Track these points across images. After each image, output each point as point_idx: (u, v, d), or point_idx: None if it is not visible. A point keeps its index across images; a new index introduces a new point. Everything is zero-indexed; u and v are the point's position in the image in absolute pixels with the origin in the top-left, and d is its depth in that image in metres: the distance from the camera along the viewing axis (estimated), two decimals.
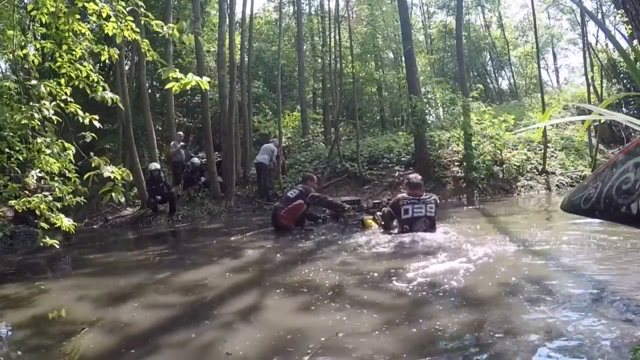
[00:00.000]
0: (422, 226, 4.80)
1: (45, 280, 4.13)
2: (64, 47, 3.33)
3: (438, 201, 5.15)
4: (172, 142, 10.77)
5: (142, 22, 3.13)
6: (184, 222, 8.65)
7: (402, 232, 4.83)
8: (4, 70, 15.49)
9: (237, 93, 11.72)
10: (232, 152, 10.41)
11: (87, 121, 3.17)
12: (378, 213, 5.58)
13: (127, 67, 11.86)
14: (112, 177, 2.86)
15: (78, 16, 3.28)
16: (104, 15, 3.06)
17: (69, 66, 3.33)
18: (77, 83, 3.34)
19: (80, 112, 3.21)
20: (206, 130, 10.55)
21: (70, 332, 2.56)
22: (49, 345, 2.39)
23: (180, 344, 2.25)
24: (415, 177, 5.16)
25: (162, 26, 3.02)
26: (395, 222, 5.07)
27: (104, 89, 3.27)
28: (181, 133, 11.42)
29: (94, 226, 8.77)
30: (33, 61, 3.39)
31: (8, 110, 3.20)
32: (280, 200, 6.07)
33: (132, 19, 3.17)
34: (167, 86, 3.04)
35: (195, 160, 10.97)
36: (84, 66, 3.33)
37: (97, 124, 3.19)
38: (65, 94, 3.29)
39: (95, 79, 3.31)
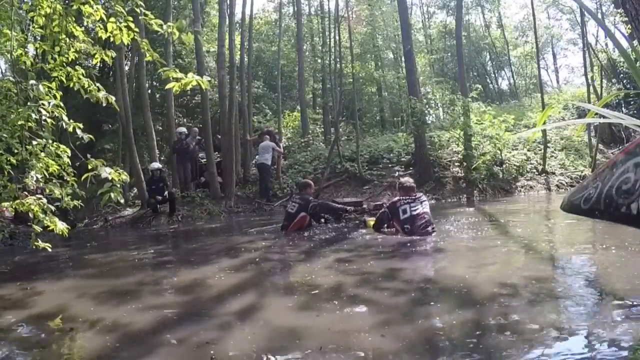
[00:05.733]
0: (422, 222, 4.85)
1: (44, 279, 4.12)
2: (57, 49, 3.29)
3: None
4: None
5: (142, 21, 3.11)
6: (184, 223, 8.65)
7: (403, 233, 4.85)
8: (3, 71, 15.51)
9: (237, 93, 11.72)
10: (231, 152, 10.42)
11: (70, 128, 3.10)
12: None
13: (127, 68, 11.86)
14: (110, 178, 2.84)
15: (73, 18, 3.24)
16: (97, 18, 3.03)
17: (61, 69, 3.29)
18: (71, 85, 3.31)
19: (65, 119, 3.12)
20: (206, 131, 10.55)
21: (67, 331, 2.56)
22: (45, 344, 2.38)
23: (174, 343, 2.24)
24: (407, 180, 5.35)
25: (162, 25, 3.01)
26: (386, 228, 5.16)
27: (99, 90, 3.23)
28: (196, 129, 11.12)
29: (94, 226, 8.77)
30: (26, 62, 3.36)
31: (6, 110, 3.15)
32: (284, 218, 6.28)
33: (132, 18, 3.15)
34: (168, 86, 3.03)
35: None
36: (76, 70, 3.28)
37: (79, 132, 3.09)
38: (55, 97, 3.23)
39: (87, 84, 3.25)
